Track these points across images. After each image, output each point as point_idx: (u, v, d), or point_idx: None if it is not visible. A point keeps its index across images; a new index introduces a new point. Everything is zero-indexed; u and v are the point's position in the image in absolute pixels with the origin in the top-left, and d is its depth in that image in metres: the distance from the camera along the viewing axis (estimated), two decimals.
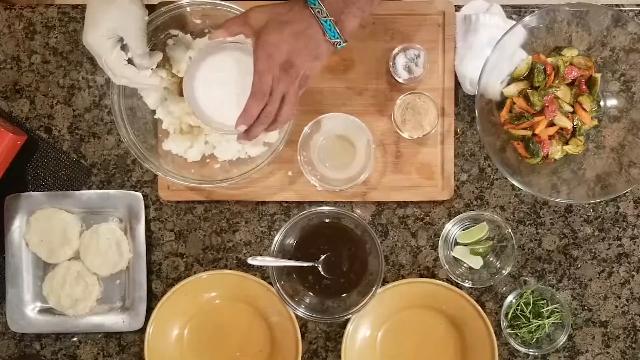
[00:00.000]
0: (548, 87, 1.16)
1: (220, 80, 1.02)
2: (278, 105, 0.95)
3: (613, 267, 1.23)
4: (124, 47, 1.03)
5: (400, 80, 1.19)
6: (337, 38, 0.95)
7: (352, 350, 1.23)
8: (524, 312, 1.20)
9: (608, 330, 1.24)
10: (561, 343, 1.20)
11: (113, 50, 1.01)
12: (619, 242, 1.23)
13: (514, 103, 1.17)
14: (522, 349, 1.21)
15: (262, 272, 1.24)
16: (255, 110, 0.94)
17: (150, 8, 1.13)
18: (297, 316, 1.20)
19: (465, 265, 1.22)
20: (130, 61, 1.04)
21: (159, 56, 1.08)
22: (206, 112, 1.03)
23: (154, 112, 1.20)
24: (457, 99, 1.23)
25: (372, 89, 1.22)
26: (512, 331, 1.21)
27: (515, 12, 1.22)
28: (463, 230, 1.22)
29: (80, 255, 1.24)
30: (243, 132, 0.98)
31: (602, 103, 1.19)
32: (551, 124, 1.16)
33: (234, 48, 1.01)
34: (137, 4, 1.01)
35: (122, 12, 0.99)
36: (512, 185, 1.19)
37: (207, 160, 1.21)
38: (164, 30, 1.16)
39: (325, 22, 0.93)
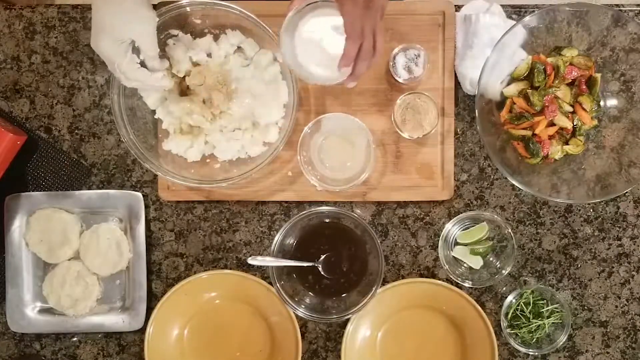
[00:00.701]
0: (548, 87, 1.16)
1: (317, 38, 1.05)
2: (372, 39, 1.00)
3: (613, 267, 1.23)
4: (134, 51, 1.04)
5: (400, 80, 1.19)
6: None
7: (352, 350, 1.23)
8: (524, 312, 1.20)
9: (608, 330, 1.24)
10: (561, 343, 1.20)
11: (126, 55, 1.03)
12: (619, 242, 1.23)
13: (514, 103, 1.17)
14: (522, 349, 1.21)
15: (262, 272, 1.24)
16: (353, 51, 1.00)
17: None
18: (297, 316, 1.20)
19: (465, 265, 1.22)
20: (141, 64, 1.05)
21: (166, 62, 1.10)
22: (309, 69, 1.06)
23: (154, 112, 1.20)
24: (457, 99, 1.23)
25: (372, 89, 1.22)
26: (512, 331, 1.21)
27: (515, 12, 1.22)
28: (463, 230, 1.22)
29: (80, 255, 1.24)
30: (350, 74, 1.03)
31: (602, 103, 1.19)
32: (551, 124, 1.16)
33: (323, 6, 1.04)
34: (146, 7, 1.02)
35: (133, 16, 1.01)
36: (512, 185, 1.19)
37: (207, 160, 1.21)
38: (164, 30, 1.16)
39: None
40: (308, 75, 1.06)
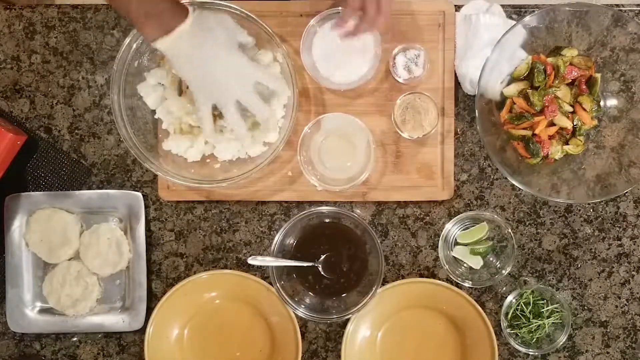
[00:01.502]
0: (548, 87, 1.16)
1: (331, 46, 1.17)
2: (375, 4, 1.05)
3: (613, 267, 1.23)
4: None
5: (400, 80, 1.19)
6: None
7: (352, 350, 1.23)
8: (524, 312, 1.20)
9: (608, 330, 1.24)
10: (561, 343, 1.20)
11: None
12: (619, 242, 1.23)
13: (514, 103, 1.17)
14: (522, 349, 1.21)
15: (262, 272, 1.24)
16: (348, 16, 1.08)
17: None
18: (297, 316, 1.20)
19: (465, 265, 1.22)
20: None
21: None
22: (326, 75, 1.18)
23: (154, 112, 1.20)
24: (457, 99, 1.23)
25: (372, 89, 1.22)
26: (512, 331, 1.21)
27: (515, 12, 1.22)
28: (463, 230, 1.22)
29: (80, 255, 1.24)
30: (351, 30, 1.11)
31: (602, 103, 1.19)
32: (551, 124, 1.16)
33: (335, 17, 1.16)
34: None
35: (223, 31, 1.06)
36: (512, 185, 1.19)
37: (207, 161, 1.21)
38: None
39: None
40: (330, 84, 1.17)
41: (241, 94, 1.06)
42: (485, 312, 1.20)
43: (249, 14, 1.12)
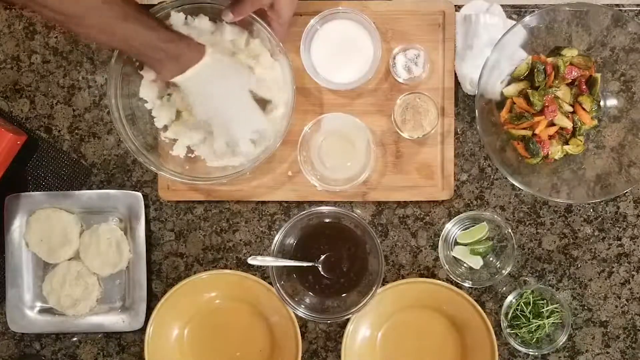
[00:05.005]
0: (548, 87, 1.16)
1: (331, 46, 1.18)
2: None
3: (613, 267, 1.23)
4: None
5: (400, 80, 1.19)
6: None
7: (352, 350, 1.23)
8: (524, 312, 1.20)
9: (608, 330, 1.24)
10: (561, 343, 1.20)
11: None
12: (619, 242, 1.23)
13: (514, 103, 1.17)
14: (522, 349, 1.21)
15: (262, 272, 1.24)
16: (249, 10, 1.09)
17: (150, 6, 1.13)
18: (297, 316, 1.20)
19: (465, 265, 1.22)
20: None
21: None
22: (326, 76, 1.18)
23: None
24: (457, 99, 1.23)
25: (372, 89, 1.22)
26: (512, 331, 1.21)
27: (515, 12, 1.22)
28: (463, 230, 1.22)
29: (80, 255, 1.24)
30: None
31: (602, 103, 1.19)
32: (551, 124, 1.16)
33: (342, 17, 1.17)
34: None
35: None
36: (512, 185, 1.19)
37: (202, 158, 1.20)
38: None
39: None
40: (329, 84, 1.17)
41: (244, 133, 1.13)
42: (485, 312, 1.20)
43: (250, 13, 1.12)
